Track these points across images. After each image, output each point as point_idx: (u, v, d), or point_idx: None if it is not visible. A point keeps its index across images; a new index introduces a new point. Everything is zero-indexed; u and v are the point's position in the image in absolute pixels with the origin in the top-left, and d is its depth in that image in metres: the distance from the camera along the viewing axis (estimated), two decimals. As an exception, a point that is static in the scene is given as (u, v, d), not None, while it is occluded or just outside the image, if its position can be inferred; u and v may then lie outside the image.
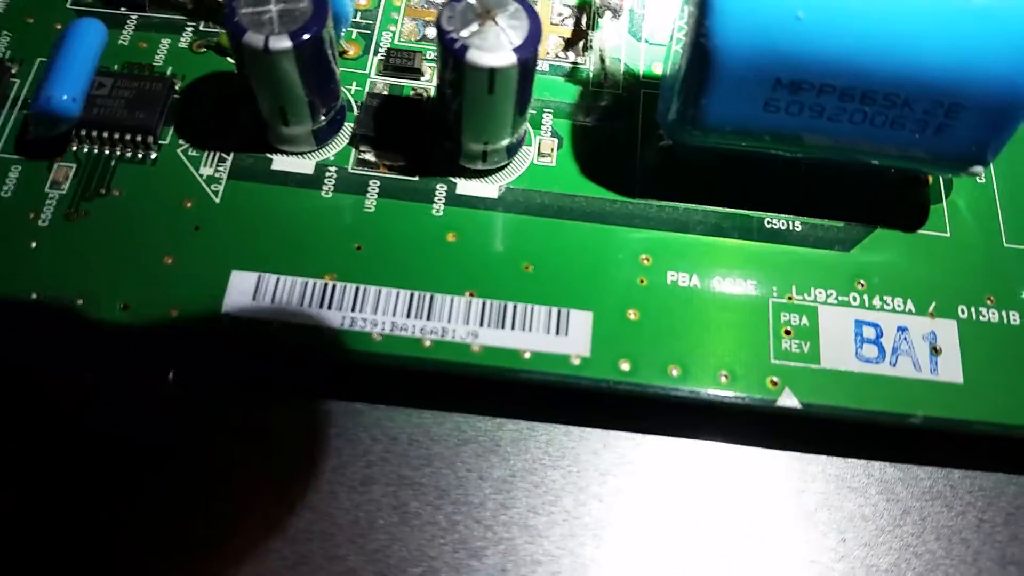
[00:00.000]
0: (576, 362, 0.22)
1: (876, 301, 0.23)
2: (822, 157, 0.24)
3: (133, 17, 0.27)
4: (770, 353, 0.23)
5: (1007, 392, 0.22)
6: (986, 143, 0.22)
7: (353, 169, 0.25)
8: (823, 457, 0.23)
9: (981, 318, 0.23)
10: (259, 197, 0.24)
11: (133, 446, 0.22)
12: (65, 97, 0.23)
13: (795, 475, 0.23)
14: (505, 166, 0.25)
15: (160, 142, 0.25)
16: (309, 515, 0.22)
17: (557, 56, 0.27)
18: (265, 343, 0.22)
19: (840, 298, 0.23)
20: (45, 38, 0.26)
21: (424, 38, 0.27)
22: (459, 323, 0.22)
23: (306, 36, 0.21)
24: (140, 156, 0.24)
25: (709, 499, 0.23)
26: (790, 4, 0.20)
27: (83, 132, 0.24)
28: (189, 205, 0.24)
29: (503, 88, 0.22)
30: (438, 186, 0.24)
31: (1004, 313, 0.24)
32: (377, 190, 0.24)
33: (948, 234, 0.25)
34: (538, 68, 0.25)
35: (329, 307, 0.22)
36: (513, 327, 0.22)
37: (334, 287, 0.23)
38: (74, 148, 0.24)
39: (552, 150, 0.25)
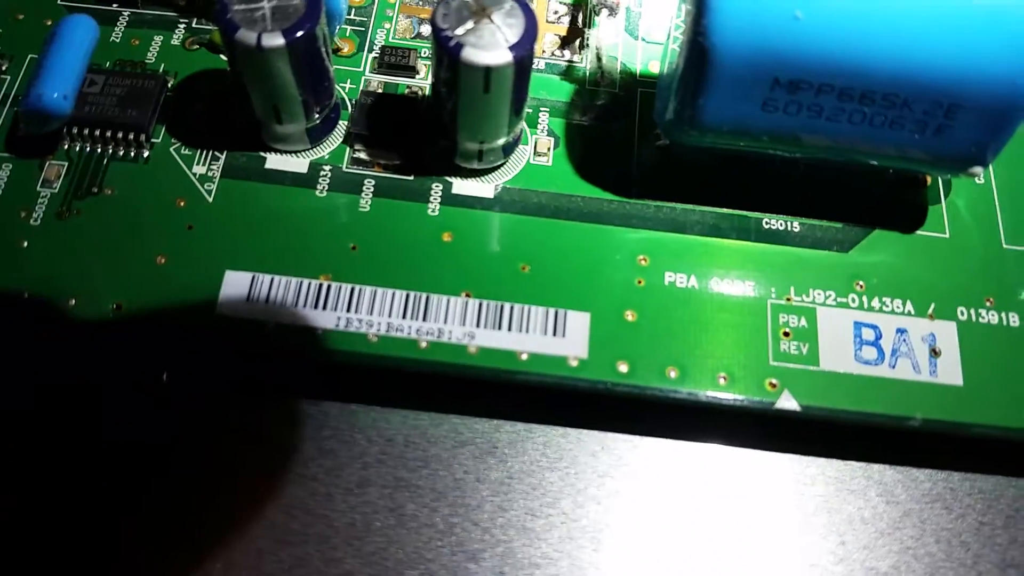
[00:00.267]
0: (574, 363, 0.22)
1: (875, 302, 0.23)
2: (820, 157, 0.23)
3: (125, 14, 0.27)
4: (769, 355, 0.22)
5: (1007, 394, 0.22)
6: (986, 144, 0.22)
7: (348, 168, 0.24)
8: (822, 459, 0.23)
9: (980, 320, 0.23)
10: (253, 196, 0.24)
11: (126, 449, 0.22)
12: (56, 95, 0.23)
13: (794, 478, 0.23)
14: (501, 165, 0.25)
15: (152, 140, 0.24)
16: (305, 517, 0.22)
17: (553, 54, 0.27)
18: (259, 344, 0.22)
19: (839, 299, 0.23)
20: (36, 35, 0.25)
21: (419, 36, 0.27)
22: (455, 324, 0.22)
23: (299, 33, 0.21)
24: (132, 154, 0.24)
25: (707, 502, 0.23)
26: (788, 3, 0.20)
27: (75, 130, 0.24)
28: (182, 204, 0.24)
29: (499, 87, 0.21)
30: (434, 185, 0.24)
31: (1003, 315, 0.23)
32: (372, 189, 0.24)
33: (947, 235, 0.25)
34: (534, 66, 0.25)
35: (324, 307, 0.22)
36: (510, 328, 0.22)
37: (329, 287, 0.22)
38: (66, 146, 0.24)
39: (548, 149, 0.25)
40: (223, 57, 0.26)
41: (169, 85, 0.25)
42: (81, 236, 0.23)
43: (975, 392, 0.22)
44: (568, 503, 0.22)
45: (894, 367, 0.22)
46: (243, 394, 0.23)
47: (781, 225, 0.24)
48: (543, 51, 0.27)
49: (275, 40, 0.21)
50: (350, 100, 0.25)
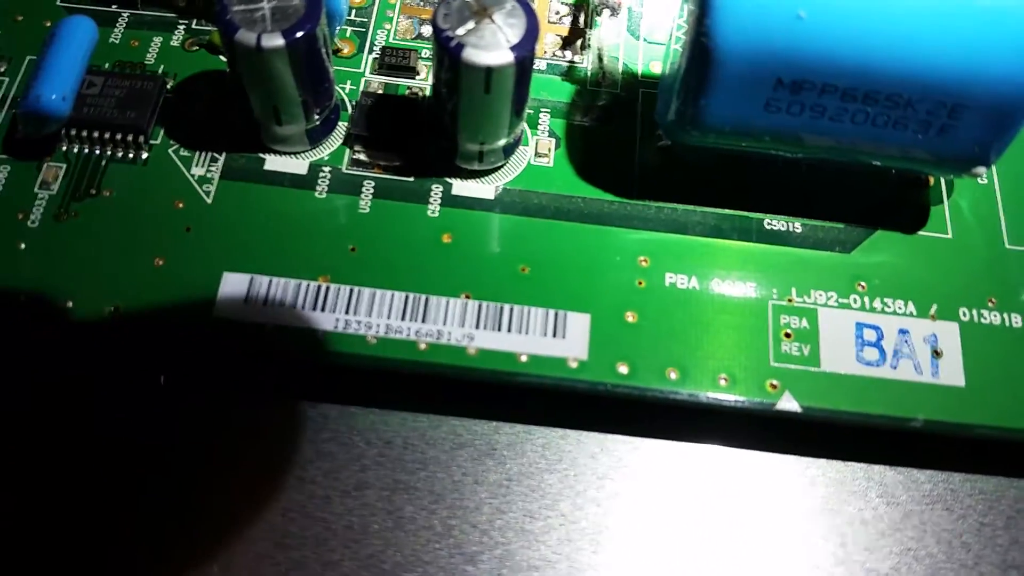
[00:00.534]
0: (573, 365, 0.22)
1: (877, 303, 0.23)
2: (823, 158, 0.23)
3: (124, 15, 0.26)
4: (770, 356, 0.22)
5: (1009, 395, 0.22)
6: (989, 144, 0.22)
7: (347, 169, 0.24)
8: (823, 461, 0.23)
9: (983, 320, 0.23)
10: (252, 198, 0.24)
11: (124, 451, 0.22)
12: (55, 96, 0.23)
13: (795, 479, 0.23)
14: (502, 166, 0.24)
15: (151, 142, 0.24)
16: (302, 520, 0.22)
17: (554, 55, 0.27)
18: (258, 346, 0.22)
19: (840, 300, 0.23)
20: (35, 36, 0.25)
21: (419, 36, 0.27)
22: (455, 325, 0.22)
23: (299, 34, 0.21)
24: (131, 156, 0.24)
25: (708, 503, 0.22)
26: (791, 3, 0.20)
27: (73, 132, 0.24)
28: (180, 206, 0.23)
29: (500, 87, 0.21)
30: (434, 187, 0.24)
31: (1006, 315, 0.23)
32: (372, 191, 0.24)
33: (949, 236, 0.24)
34: (535, 67, 0.25)
35: (323, 309, 0.22)
36: (510, 330, 0.22)
37: (328, 289, 0.22)
38: (64, 148, 0.24)
39: (549, 150, 0.25)
40: (222, 58, 0.26)
41: (168, 86, 0.25)
42: (79, 238, 0.23)
43: (977, 393, 0.22)
44: (567, 505, 0.22)
45: (896, 368, 0.22)
46: (241, 396, 0.23)
47: (783, 226, 0.24)
48: (544, 52, 0.27)
49: (275, 41, 0.21)
50: (350, 101, 0.25)
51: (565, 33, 0.27)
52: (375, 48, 0.26)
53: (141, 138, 0.24)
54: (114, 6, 0.27)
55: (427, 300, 0.22)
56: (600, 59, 0.27)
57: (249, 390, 0.23)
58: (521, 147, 0.25)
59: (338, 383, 0.23)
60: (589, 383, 0.22)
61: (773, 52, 0.20)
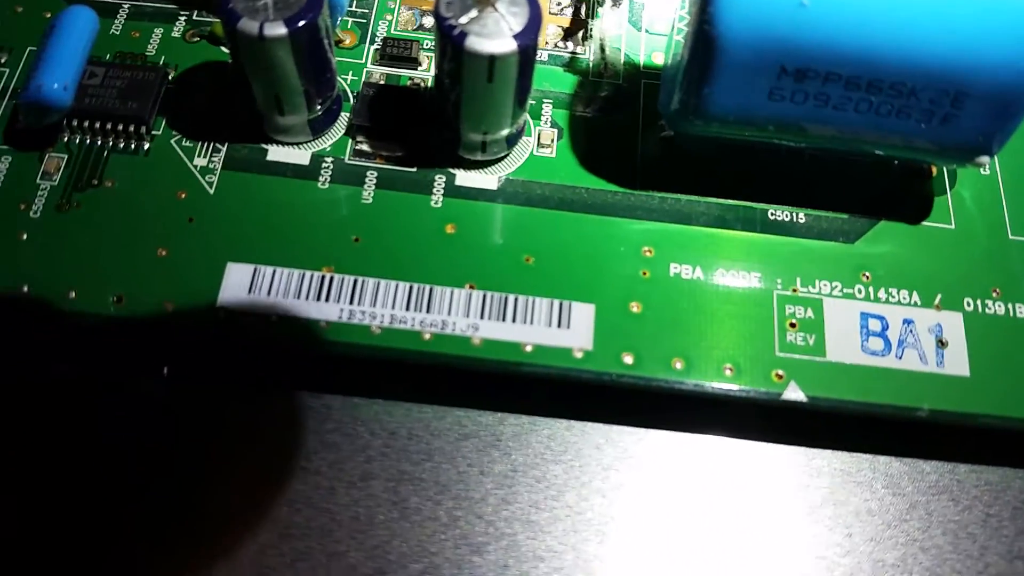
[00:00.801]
0: (578, 355, 0.22)
1: (881, 293, 0.23)
2: (826, 147, 0.23)
3: (125, 6, 0.26)
4: (775, 346, 0.22)
5: (1013, 385, 0.22)
6: (992, 133, 0.22)
7: (350, 160, 0.24)
8: (828, 451, 0.23)
9: (987, 310, 0.23)
10: (254, 188, 0.24)
11: (127, 442, 0.22)
12: (56, 85, 0.23)
13: (800, 469, 0.23)
14: (504, 157, 0.24)
15: (153, 132, 0.24)
16: (308, 511, 0.22)
17: (556, 46, 0.27)
18: (262, 336, 0.22)
19: (845, 290, 0.23)
20: (35, 27, 0.25)
21: (421, 27, 0.27)
22: (459, 316, 0.22)
23: (301, 23, 0.21)
24: (133, 146, 0.24)
25: (713, 494, 0.22)
26: (794, -9, 0.20)
27: (75, 122, 0.24)
28: (183, 196, 0.23)
29: (503, 76, 0.21)
30: (437, 177, 0.24)
31: (1010, 305, 0.23)
32: (374, 181, 0.24)
33: (953, 226, 0.24)
34: (538, 58, 0.25)
35: (327, 300, 0.22)
36: (514, 320, 0.22)
37: (332, 279, 0.22)
38: (65, 138, 0.24)
39: (552, 141, 0.25)
40: (224, 49, 0.26)
41: (170, 77, 0.25)
42: (81, 229, 0.23)
43: (982, 383, 0.22)
44: (573, 496, 0.22)
45: (900, 358, 0.22)
46: (245, 387, 0.23)
47: (787, 216, 0.24)
48: (546, 42, 0.27)
49: (277, 30, 0.21)
50: (352, 92, 0.25)
51: (567, 24, 0.27)
52: (377, 39, 0.26)
53: (143, 129, 0.24)
54: (115, -4, 0.26)
55: (431, 290, 0.22)
56: (602, 50, 0.27)
57: (253, 381, 0.23)
58: (524, 138, 0.25)
59: (342, 373, 0.23)
60: (594, 373, 0.22)
61: (776, 40, 0.20)
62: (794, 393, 0.22)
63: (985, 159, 0.22)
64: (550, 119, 0.25)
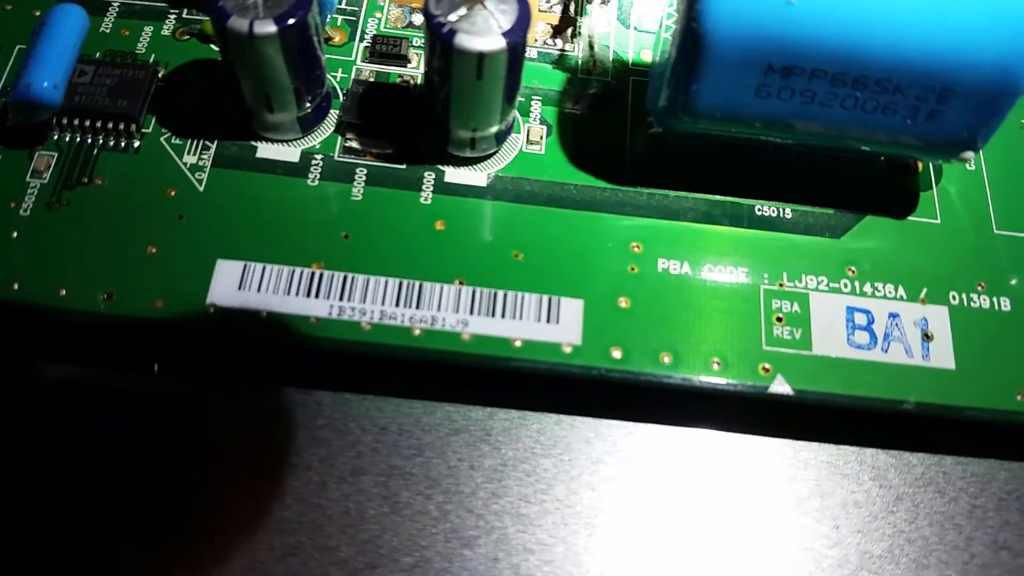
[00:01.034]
0: (567, 350, 0.22)
1: (867, 288, 0.23)
2: (813, 143, 0.24)
3: (115, 4, 0.26)
4: (762, 340, 0.22)
5: (998, 378, 0.22)
6: (977, 129, 0.22)
7: (339, 157, 0.24)
8: (815, 444, 0.23)
9: (972, 304, 0.23)
10: (244, 185, 0.24)
11: (117, 438, 0.22)
12: (46, 84, 0.23)
13: (787, 462, 0.23)
14: (494, 154, 0.24)
15: (143, 130, 0.24)
16: (299, 506, 0.22)
17: (546, 43, 0.27)
18: (252, 333, 0.22)
19: (831, 285, 0.23)
20: (24, 25, 0.25)
21: (411, 25, 0.27)
22: (449, 311, 0.22)
23: (291, 20, 0.21)
24: (123, 144, 0.24)
25: (701, 487, 0.23)
26: (781, -11, 0.20)
27: (64, 120, 0.24)
28: (173, 194, 0.23)
29: (492, 73, 0.21)
30: (426, 174, 0.24)
31: (995, 299, 0.23)
32: (364, 178, 0.24)
33: (938, 221, 0.25)
34: (527, 55, 0.25)
35: (317, 296, 0.22)
36: (503, 315, 0.22)
37: (322, 276, 0.22)
38: (55, 137, 0.24)
39: (541, 138, 0.25)
40: (213, 47, 0.26)
41: (159, 75, 0.25)
42: (71, 227, 0.23)
43: (967, 376, 0.22)
44: (562, 489, 0.22)
45: (886, 351, 0.23)
46: (235, 383, 0.23)
47: (773, 211, 0.24)
48: (535, 40, 0.27)
49: (267, 27, 0.21)
50: (342, 89, 0.25)
51: (556, 22, 0.27)
52: (366, 36, 0.26)
53: (133, 127, 0.24)
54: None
55: (421, 286, 0.22)
56: (591, 47, 0.27)
57: (243, 377, 0.23)
58: (513, 135, 0.25)
59: (332, 369, 0.23)
60: (583, 368, 0.22)
61: (763, 37, 0.21)
62: (781, 386, 0.22)
63: (970, 154, 0.23)
64: (539, 116, 0.25)
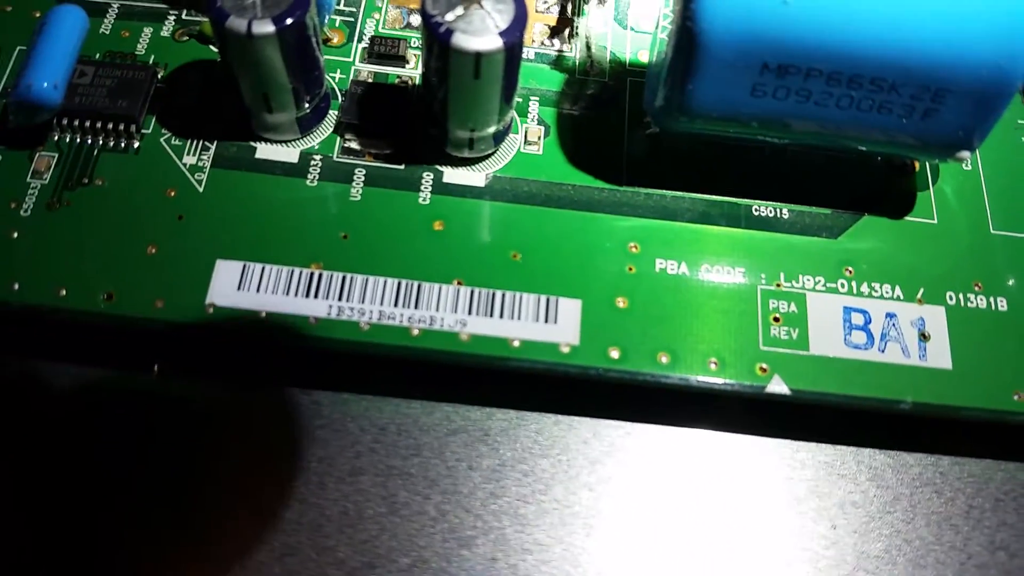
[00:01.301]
0: (565, 350, 0.22)
1: (864, 288, 0.23)
2: (809, 143, 0.24)
3: (114, 5, 0.26)
4: (759, 340, 0.23)
5: (995, 378, 0.22)
6: (972, 128, 0.22)
7: (338, 157, 0.24)
8: (812, 444, 0.23)
9: (969, 304, 0.23)
10: (243, 186, 0.24)
11: (119, 438, 0.22)
12: (46, 84, 0.23)
13: (785, 462, 0.23)
14: (492, 154, 0.25)
15: (143, 131, 0.24)
16: (297, 506, 0.22)
17: (543, 44, 0.27)
18: (251, 333, 0.22)
19: (828, 285, 0.23)
20: (24, 26, 0.25)
21: (409, 26, 0.27)
22: (447, 311, 0.22)
23: (289, 21, 0.21)
24: (123, 145, 0.24)
25: (699, 487, 0.23)
26: (776, -12, 0.20)
27: (64, 121, 0.24)
28: (172, 194, 0.23)
29: (489, 73, 0.21)
30: (424, 174, 0.24)
31: (991, 299, 0.24)
32: (363, 178, 0.24)
33: (935, 221, 0.25)
34: (524, 56, 0.25)
35: (316, 296, 0.22)
36: (502, 315, 0.22)
37: (320, 276, 0.22)
38: (56, 137, 0.24)
39: (539, 138, 0.25)
40: (213, 48, 0.26)
41: (159, 76, 0.25)
42: (71, 227, 0.23)
43: (964, 376, 0.22)
44: (560, 490, 0.22)
45: (883, 351, 0.23)
46: (235, 383, 0.23)
47: (770, 212, 0.24)
48: (533, 40, 0.27)
49: (265, 28, 0.21)
50: (340, 90, 0.25)
51: (553, 22, 0.27)
52: (364, 37, 0.26)
53: (133, 127, 0.24)
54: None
55: (419, 286, 0.22)
56: (588, 48, 0.27)
57: (242, 377, 0.23)
58: (511, 135, 0.25)
59: (331, 369, 0.23)
60: (581, 368, 0.22)
61: (758, 36, 0.21)
62: (778, 386, 0.22)
63: (966, 154, 0.23)
64: (537, 116, 0.25)
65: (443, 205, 0.24)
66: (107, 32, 0.26)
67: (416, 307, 0.22)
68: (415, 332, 0.22)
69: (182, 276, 0.22)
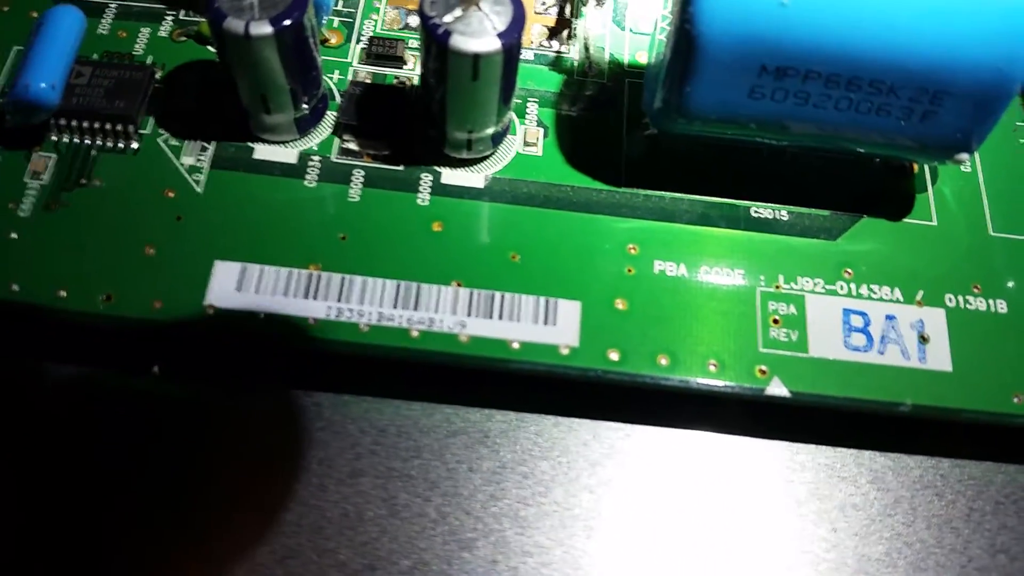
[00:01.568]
0: (565, 352, 0.22)
1: (863, 290, 0.23)
2: (808, 145, 0.24)
3: (112, 6, 0.26)
4: (758, 342, 0.22)
5: (995, 380, 0.22)
6: (971, 130, 0.22)
7: (336, 158, 0.24)
8: (812, 446, 0.23)
9: (968, 306, 0.23)
10: (242, 187, 0.24)
11: (118, 439, 0.22)
12: (44, 84, 0.23)
13: (784, 464, 0.23)
14: (490, 155, 0.25)
15: (141, 131, 0.24)
16: (298, 508, 0.22)
17: (541, 45, 0.27)
18: (250, 334, 0.22)
19: (827, 287, 0.23)
20: (22, 25, 0.25)
21: (407, 26, 0.27)
22: (446, 313, 0.22)
23: (287, 22, 0.21)
24: (121, 146, 0.24)
25: (699, 489, 0.23)
26: (775, -10, 0.20)
27: (62, 121, 0.24)
28: (171, 195, 0.23)
29: (487, 74, 0.21)
30: (423, 175, 0.24)
31: (991, 301, 0.24)
32: (361, 180, 0.24)
33: (934, 223, 0.25)
34: (522, 57, 0.25)
35: (315, 297, 0.22)
36: (501, 317, 0.22)
37: (319, 277, 0.22)
38: (53, 138, 0.24)
39: (538, 139, 0.25)
40: (211, 48, 0.26)
41: (157, 76, 0.25)
42: (70, 228, 0.23)
43: (964, 378, 0.22)
44: (560, 492, 0.22)
45: (883, 353, 0.23)
46: (234, 384, 0.23)
47: (769, 213, 0.24)
48: (531, 42, 0.27)
49: (263, 28, 0.21)
50: (338, 91, 0.25)
51: (552, 24, 0.27)
52: (362, 38, 0.26)
53: (131, 128, 0.24)
54: (101, -5, 0.27)
55: (418, 288, 0.22)
56: (587, 49, 0.27)
57: (242, 379, 0.23)
58: (509, 136, 0.25)
59: (331, 371, 0.23)
60: (580, 369, 0.22)
61: (756, 38, 0.21)
62: (777, 388, 0.22)
63: (965, 156, 0.23)
64: (536, 118, 0.25)
65: (442, 206, 0.24)
66: (105, 32, 0.26)
67: (415, 309, 0.22)
68: (414, 334, 0.22)
69: (181, 277, 0.22)
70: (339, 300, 0.22)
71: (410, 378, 0.23)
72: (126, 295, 0.22)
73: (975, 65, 0.21)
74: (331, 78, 0.26)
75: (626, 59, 0.27)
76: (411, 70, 0.26)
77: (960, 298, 0.24)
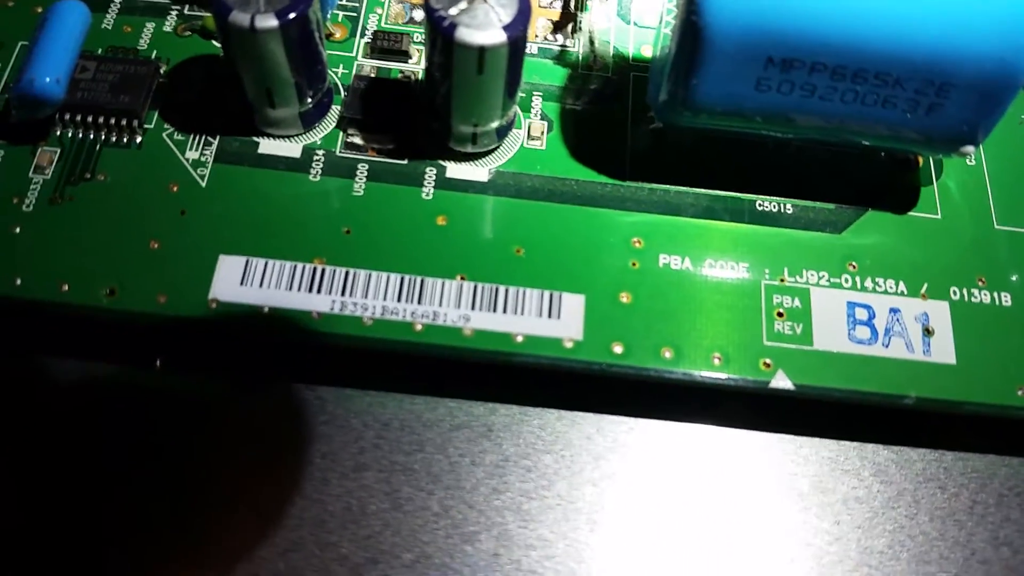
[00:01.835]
0: (569, 345, 0.22)
1: (868, 283, 0.23)
2: (813, 138, 0.23)
3: (116, 1, 0.26)
4: (763, 335, 0.22)
5: (999, 373, 0.22)
6: (977, 123, 0.22)
7: (341, 152, 0.24)
8: (816, 439, 0.23)
9: (973, 299, 0.23)
10: (246, 181, 0.24)
11: (122, 433, 0.22)
12: (48, 79, 0.23)
13: (788, 457, 0.23)
14: (495, 149, 0.25)
15: (145, 126, 0.24)
16: (300, 501, 0.22)
17: (546, 39, 0.27)
18: (254, 328, 0.22)
19: (832, 280, 0.23)
20: (26, 21, 0.25)
21: (411, 20, 0.27)
22: (450, 307, 0.22)
23: (292, 15, 0.21)
24: (125, 140, 0.24)
25: (703, 482, 0.23)
26: (781, -18, 0.20)
27: (67, 116, 0.24)
28: (175, 189, 0.23)
29: (493, 68, 0.21)
30: (427, 169, 0.24)
31: (995, 294, 0.24)
32: (366, 174, 0.24)
33: (939, 216, 0.25)
34: (527, 51, 0.25)
35: (319, 291, 0.22)
36: (505, 311, 0.22)
37: (323, 271, 0.22)
38: (58, 132, 0.24)
39: (542, 133, 0.25)
40: (215, 43, 0.26)
41: (161, 71, 0.25)
42: (74, 222, 0.23)
43: (968, 371, 0.22)
44: (564, 485, 0.22)
45: (887, 346, 0.23)
46: (237, 378, 0.23)
47: (774, 207, 0.24)
48: (536, 36, 0.27)
49: (268, 22, 0.21)
50: (343, 85, 0.25)
51: (556, 17, 0.27)
52: (367, 32, 0.26)
53: (135, 122, 0.24)
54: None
55: (423, 282, 0.22)
56: (591, 43, 0.27)
57: (245, 372, 0.23)
58: (514, 130, 0.25)
59: (334, 365, 0.23)
60: (584, 363, 0.22)
61: (762, 30, 0.21)
62: (782, 381, 0.22)
63: (970, 149, 0.23)
64: (540, 111, 0.25)
65: (446, 200, 0.24)
66: (109, 27, 0.26)
67: (419, 302, 0.22)
68: (418, 327, 0.22)
69: (185, 271, 0.22)
70: (343, 294, 0.22)
71: (414, 372, 0.23)
72: (130, 289, 0.22)
73: (981, 57, 0.21)
74: (336, 72, 0.26)
75: (631, 53, 0.27)
76: (416, 64, 0.26)
77: (964, 291, 0.23)
